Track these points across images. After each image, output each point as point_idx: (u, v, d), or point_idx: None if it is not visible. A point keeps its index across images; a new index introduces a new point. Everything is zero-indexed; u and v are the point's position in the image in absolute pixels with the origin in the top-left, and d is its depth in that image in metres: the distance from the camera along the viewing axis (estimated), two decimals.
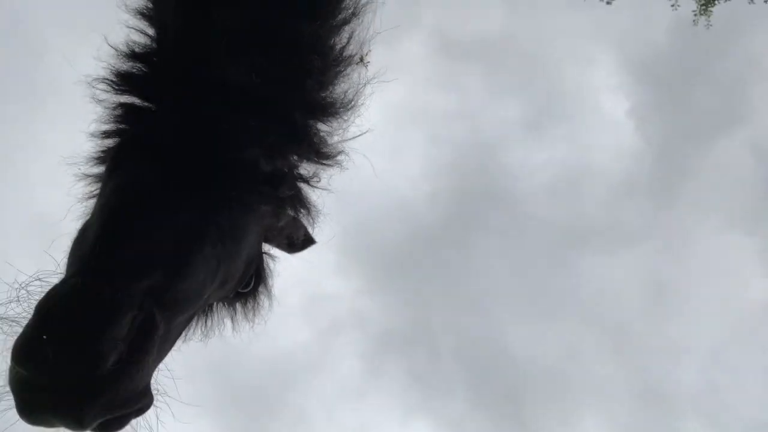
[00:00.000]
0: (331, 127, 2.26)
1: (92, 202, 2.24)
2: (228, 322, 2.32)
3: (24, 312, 1.65)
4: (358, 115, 2.31)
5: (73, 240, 1.86)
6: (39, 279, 1.69)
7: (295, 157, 2.22)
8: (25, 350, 1.33)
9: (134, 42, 2.19)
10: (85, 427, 1.35)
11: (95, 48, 2.20)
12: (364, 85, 2.29)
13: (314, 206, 2.37)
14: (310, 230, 2.47)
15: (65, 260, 1.82)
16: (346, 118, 2.27)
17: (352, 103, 2.27)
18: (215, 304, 2.23)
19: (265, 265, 2.34)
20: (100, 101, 2.17)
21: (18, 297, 1.67)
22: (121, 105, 2.16)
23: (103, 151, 2.21)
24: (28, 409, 1.35)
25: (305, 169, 2.32)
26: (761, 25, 14.95)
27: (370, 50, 2.33)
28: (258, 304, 2.35)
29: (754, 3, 15.05)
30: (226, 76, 1.95)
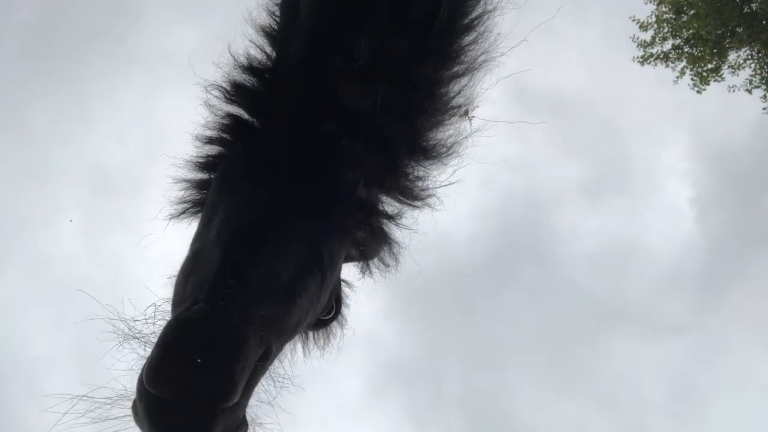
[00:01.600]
0: (427, 170, 2.30)
1: (195, 218, 2.28)
2: (299, 348, 2.32)
3: (153, 333, 1.72)
4: (454, 165, 2.35)
5: (183, 262, 1.89)
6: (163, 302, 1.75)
7: (389, 192, 2.25)
8: (160, 373, 1.35)
9: (252, 56, 2.27)
10: None
11: (216, 54, 2.28)
12: (466, 137, 2.33)
13: (398, 243, 2.38)
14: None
15: (173, 281, 1.88)
16: (442, 164, 2.31)
17: (451, 151, 2.30)
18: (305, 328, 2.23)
19: (343, 293, 2.37)
20: (210, 106, 2.25)
21: (148, 317, 1.75)
22: (229, 115, 2.23)
23: (204, 158, 2.28)
24: (157, 428, 1.40)
25: (392, 206, 2.35)
26: None
27: (477, 106, 2.38)
28: (331, 330, 2.37)
29: None
30: (348, 100, 2.01)
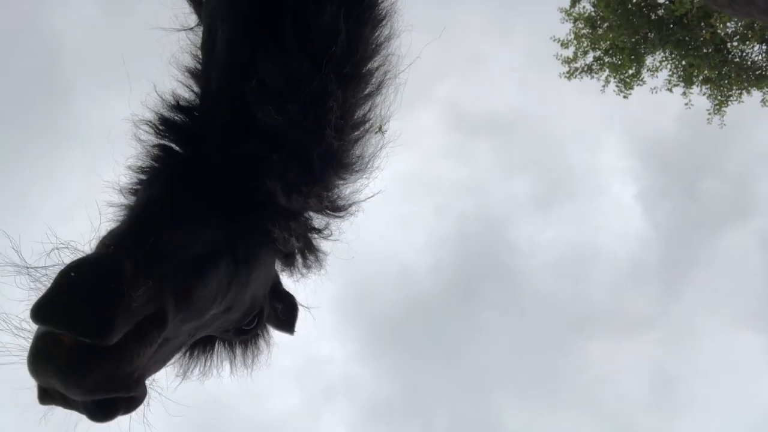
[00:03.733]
0: (345, 181, 2.47)
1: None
2: (226, 363, 2.41)
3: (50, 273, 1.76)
4: (371, 178, 2.53)
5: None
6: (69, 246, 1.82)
7: (310, 204, 2.39)
8: (44, 307, 1.40)
9: (179, 95, 2.46)
10: (83, 391, 1.41)
11: (144, 93, 2.44)
12: (380, 150, 2.52)
13: (323, 253, 2.56)
14: (296, 320, 2.62)
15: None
16: (359, 176, 2.49)
17: (367, 164, 2.48)
18: (217, 338, 2.32)
19: (267, 312, 2.45)
20: (141, 140, 2.40)
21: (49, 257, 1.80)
22: (159, 146, 2.39)
23: (137, 185, 2.41)
24: (36, 360, 1.41)
25: (317, 220, 2.51)
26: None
27: (388, 122, 2.55)
28: (257, 348, 2.46)
29: (767, 106, 15.47)
30: (262, 120, 2.17)
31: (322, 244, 2.58)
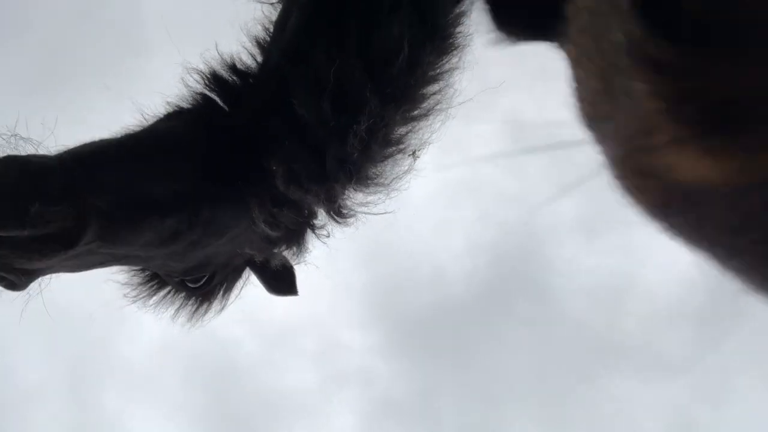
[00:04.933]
0: (357, 192, 2.44)
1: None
2: (172, 308, 2.46)
3: None
4: (389, 197, 2.49)
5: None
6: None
7: (307, 199, 2.37)
8: None
9: (241, 59, 2.49)
10: None
11: (205, 48, 2.49)
12: (406, 173, 2.48)
13: (306, 249, 2.53)
14: (296, 279, 2.62)
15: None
16: (375, 192, 2.45)
17: (387, 183, 2.45)
18: (165, 276, 2.35)
19: (232, 281, 2.50)
20: (188, 86, 2.45)
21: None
22: (204, 96, 2.44)
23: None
24: None
25: (318, 217, 2.51)
26: None
27: (424, 148, 2.50)
28: (202, 306, 2.48)
29: None
30: (298, 106, 2.20)
31: (311, 240, 2.55)
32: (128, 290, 2.42)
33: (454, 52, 2.39)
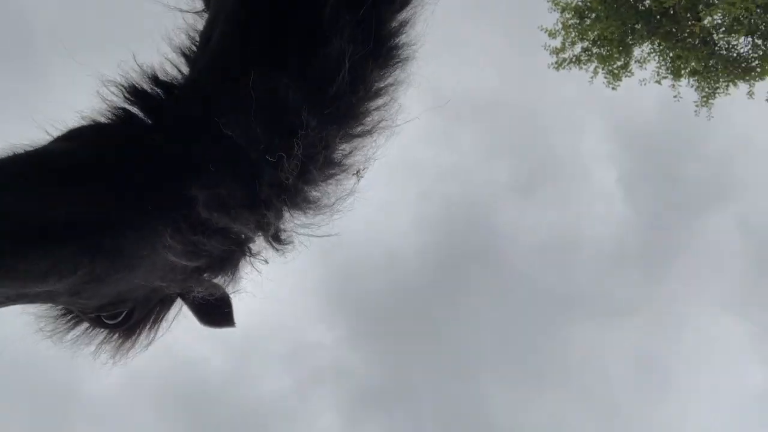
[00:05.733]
0: (297, 216, 2.28)
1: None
2: (93, 344, 2.25)
3: None
4: (330, 219, 2.34)
5: None
6: None
7: (235, 226, 2.18)
8: None
9: (162, 70, 2.30)
10: None
11: (121, 58, 2.27)
12: (348, 194, 2.35)
13: (239, 276, 2.34)
14: (233, 310, 2.40)
15: None
16: (314, 216, 2.31)
17: (328, 207, 2.31)
18: (79, 312, 2.15)
19: (151, 312, 2.29)
20: (105, 100, 2.24)
21: None
22: (124, 110, 2.23)
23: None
24: None
25: (254, 242, 2.31)
26: (751, 105, 15.41)
27: (368, 167, 2.39)
28: (127, 342, 2.27)
29: (753, 98, 15.49)
30: (230, 128, 2.02)
31: (246, 266, 2.37)
32: (42, 324, 2.19)
33: (398, 65, 2.27)
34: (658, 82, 16.29)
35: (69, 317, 2.18)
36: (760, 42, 14.97)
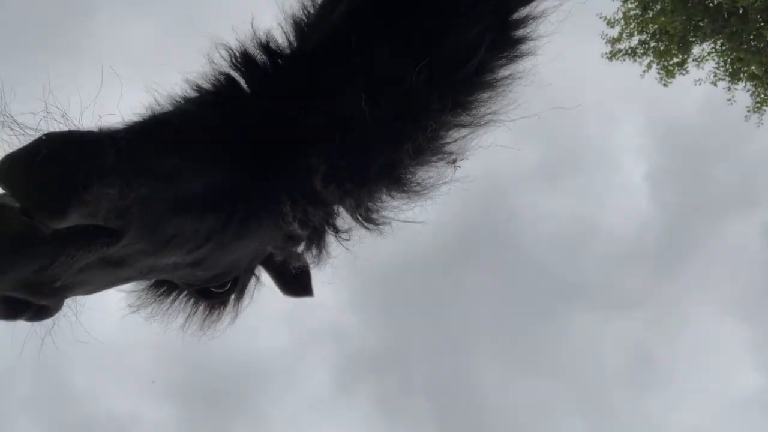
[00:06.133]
0: (394, 199, 2.29)
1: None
2: (183, 315, 2.27)
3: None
4: (421, 205, 2.34)
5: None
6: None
7: (345, 202, 2.21)
8: (7, 163, 1.33)
9: (272, 37, 2.27)
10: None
11: (237, 22, 2.27)
12: (444, 183, 2.33)
13: (328, 254, 2.35)
14: (312, 280, 2.45)
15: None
16: (412, 200, 2.30)
17: (425, 192, 2.30)
18: (182, 286, 2.18)
19: (247, 283, 2.33)
20: (213, 63, 2.24)
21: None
22: (227, 76, 2.22)
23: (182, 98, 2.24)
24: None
25: (342, 220, 2.32)
26: None
27: (465, 158, 2.38)
28: (221, 313, 2.31)
29: None
30: (343, 101, 2.02)
31: (332, 244, 2.38)
32: (132, 298, 2.21)
33: (520, 60, 2.26)
34: (714, 83, 15.78)
35: (160, 289, 2.20)
36: None
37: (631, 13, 15.65)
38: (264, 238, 2.10)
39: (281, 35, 2.30)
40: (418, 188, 2.27)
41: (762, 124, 15.94)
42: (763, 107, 15.69)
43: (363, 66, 2.07)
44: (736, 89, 15.65)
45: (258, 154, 1.96)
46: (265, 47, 2.24)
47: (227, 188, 1.84)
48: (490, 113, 2.28)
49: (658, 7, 15.18)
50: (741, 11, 14.42)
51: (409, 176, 2.22)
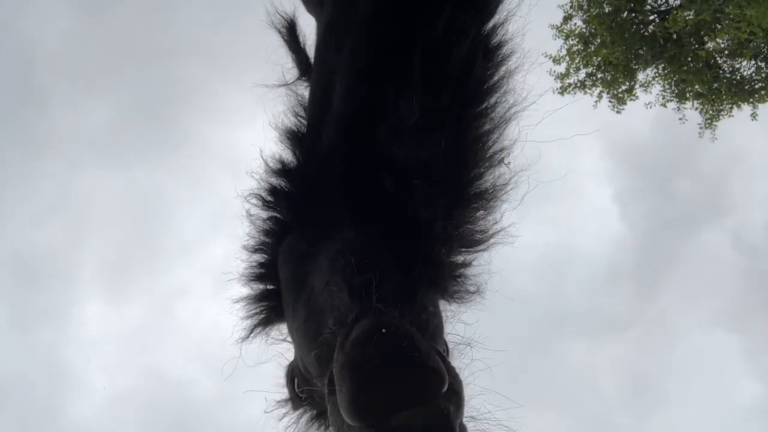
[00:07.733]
0: (479, 215, 2.33)
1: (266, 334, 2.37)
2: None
3: None
4: (500, 209, 2.40)
5: (296, 337, 2.00)
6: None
7: (461, 233, 2.25)
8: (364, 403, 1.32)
9: (283, 158, 2.35)
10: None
11: (248, 162, 2.36)
12: (508, 180, 2.39)
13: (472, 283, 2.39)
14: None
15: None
16: (490, 208, 2.36)
17: (496, 196, 2.36)
18: None
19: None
20: (250, 216, 2.31)
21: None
22: (269, 218, 2.29)
23: (257, 267, 2.31)
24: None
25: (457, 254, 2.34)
26: (744, 120, 15.64)
27: (510, 153, 2.44)
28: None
29: (756, 120, 15.66)
30: (401, 156, 2.05)
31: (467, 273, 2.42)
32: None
33: (503, 61, 2.39)
34: (664, 105, 16.38)
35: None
36: (763, 65, 15.19)
37: (574, 49, 16.28)
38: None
39: (286, 153, 2.38)
40: (490, 195, 2.34)
41: (716, 138, 16.52)
42: (714, 123, 16.28)
43: (388, 123, 2.13)
44: (685, 108, 16.26)
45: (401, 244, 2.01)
46: (281, 172, 2.31)
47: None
48: (507, 109, 2.38)
49: (598, 40, 15.83)
50: (675, 36, 15.14)
51: (479, 189, 2.29)
